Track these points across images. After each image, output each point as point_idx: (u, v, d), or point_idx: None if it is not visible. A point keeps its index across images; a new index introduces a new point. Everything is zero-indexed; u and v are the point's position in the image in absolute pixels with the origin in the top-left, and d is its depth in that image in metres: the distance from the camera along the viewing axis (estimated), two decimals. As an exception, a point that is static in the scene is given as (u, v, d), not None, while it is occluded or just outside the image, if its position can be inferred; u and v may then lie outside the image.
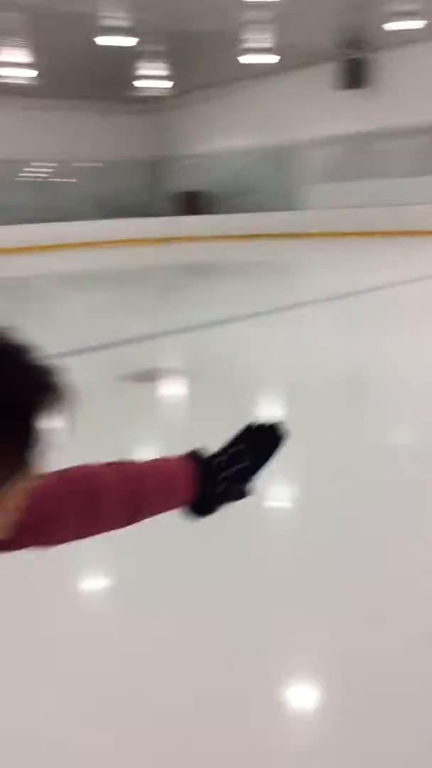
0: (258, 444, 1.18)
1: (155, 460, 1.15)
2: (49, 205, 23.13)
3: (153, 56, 18.46)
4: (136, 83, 20.01)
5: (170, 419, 5.08)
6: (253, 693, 2.06)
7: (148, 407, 5.27)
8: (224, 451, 1.17)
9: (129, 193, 24.68)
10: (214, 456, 1.16)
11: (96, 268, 16.51)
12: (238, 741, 1.88)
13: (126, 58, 17.97)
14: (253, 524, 2.89)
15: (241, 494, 1.17)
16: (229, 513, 1.14)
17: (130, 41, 16.27)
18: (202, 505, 1.14)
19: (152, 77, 19.65)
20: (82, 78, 20.22)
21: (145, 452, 2.82)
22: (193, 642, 2.28)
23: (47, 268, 16.62)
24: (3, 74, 17.51)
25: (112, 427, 4.43)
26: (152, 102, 23.48)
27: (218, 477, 1.14)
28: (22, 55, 16.79)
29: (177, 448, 1.17)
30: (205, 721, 1.97)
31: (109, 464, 1.11)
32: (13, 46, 16.54)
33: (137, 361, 6.47)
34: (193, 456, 1.15)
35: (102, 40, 16.13)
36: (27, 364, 0.72)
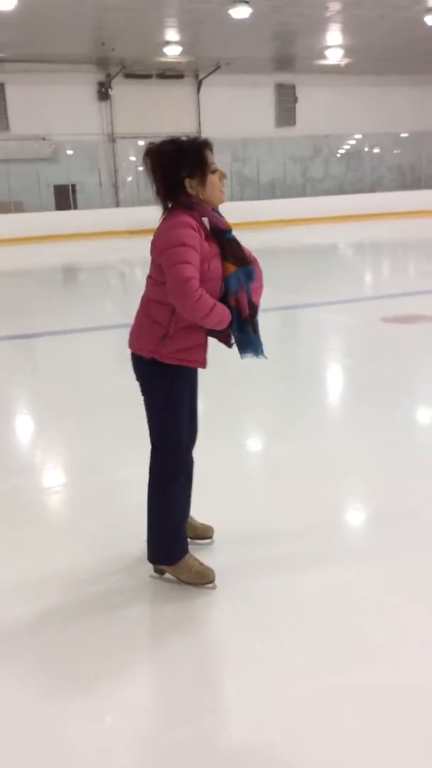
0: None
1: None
2: (356, 176, 26.92)
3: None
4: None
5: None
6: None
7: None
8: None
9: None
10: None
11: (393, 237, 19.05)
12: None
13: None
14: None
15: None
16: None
17: None
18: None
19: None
20: (392, 54, 22.36)
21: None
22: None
23: (349, 236, 19.73)
24: (326, 56, 22.11)
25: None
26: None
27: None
28: (340, 39, 20.70)
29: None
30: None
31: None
32: (333, 31, 19.92)
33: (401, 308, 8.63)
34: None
35: (430, 20, 18.27)
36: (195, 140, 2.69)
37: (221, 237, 2.71)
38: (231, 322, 2.71)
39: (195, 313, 2.58)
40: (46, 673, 2.50)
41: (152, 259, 2.71)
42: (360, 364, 6.58)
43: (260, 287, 2.85)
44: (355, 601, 2.80)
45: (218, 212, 2.76)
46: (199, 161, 2.65)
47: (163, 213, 2.72)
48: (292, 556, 3.14)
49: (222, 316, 2.64)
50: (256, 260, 2.88)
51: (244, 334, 2.76)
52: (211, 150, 2.69)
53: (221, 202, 2.76)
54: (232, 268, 2.70)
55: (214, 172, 2.70)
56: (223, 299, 2.71)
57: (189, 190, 2.67)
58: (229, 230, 2.74)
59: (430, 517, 3.45)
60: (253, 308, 2.79)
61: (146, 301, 2.78)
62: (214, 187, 2.71)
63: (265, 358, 2.86)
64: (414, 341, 7.25)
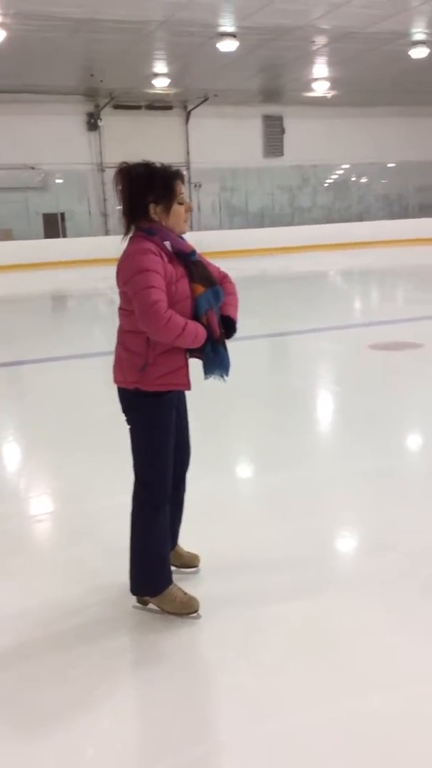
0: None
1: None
2: (343, 205, 27.47)
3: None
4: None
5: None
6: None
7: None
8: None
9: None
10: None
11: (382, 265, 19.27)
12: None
13: (425, 67, 20.12)
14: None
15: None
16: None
17: (425, 52, 18.57)
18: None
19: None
20: (378, 87, 22.62)
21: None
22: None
23: (337, 264, 19.88)
24: (313, 89, 22.35)
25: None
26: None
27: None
28: (326, 72, 20.89)
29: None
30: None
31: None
32: (319, 64, 20.09)
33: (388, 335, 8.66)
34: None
35: (414, 53, 18.51)
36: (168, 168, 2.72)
37: (186, 259, 2.73)
38: (207, 339, 2.70)
39: (167, 335, 2.59)
40: (24, 706, 2.44)
41: (120, 291, 2.72)
42: (348, 390, 6.58)
43: (235, 302, 2.87)
44: (343, 630, 2.76)
45: (182, 238, 2.78)
46: (168, 189, 2.69)
47: (124, 235, 2.75)
48: (279, 585, 3.10)
49: (196, 333, 2.66)
50: (226, 275, 2.90)
51: (215, 353, 2.75)
52: (182, 181, 2.73)
53: (183, 232, 2.79)
54: (200, 288, 2.71)
55: (181, 203, 2.73)
56: (194, 320, 2.71)
57: (152, 215, 2.70)
58: (193, 252, 2.75)
59: (417, 545, 3.43)
60: (231, 323, 2.81)
61: (121, 333, 2.79)
62: (178, 217, 2.74)
63: (224, 381, 2.83)
64: (401, 368, 7.28)
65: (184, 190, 2.75)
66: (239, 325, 2.89)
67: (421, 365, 7.37)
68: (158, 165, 2.72)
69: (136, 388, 2.73)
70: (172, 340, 2.62)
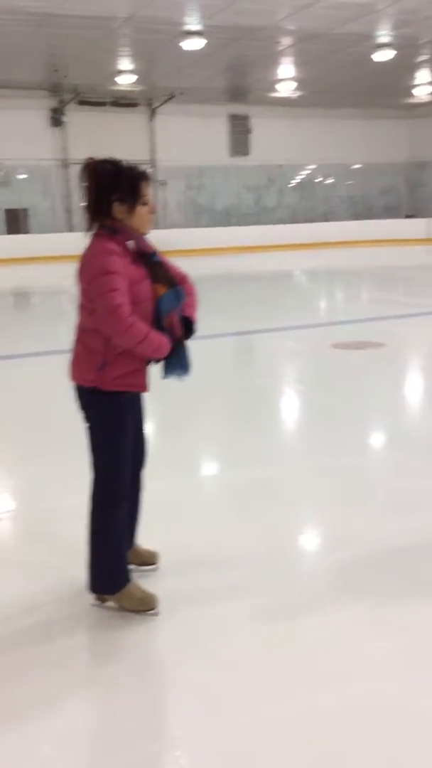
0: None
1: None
2: (309, 206, 27.67)
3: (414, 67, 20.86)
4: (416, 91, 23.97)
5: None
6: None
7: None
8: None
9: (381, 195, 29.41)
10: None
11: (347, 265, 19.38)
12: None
13: (390, 69, 20.25)
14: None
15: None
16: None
17: (390, 54, 18.65)
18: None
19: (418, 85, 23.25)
20: (343, 88, 22.78)
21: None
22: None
23: (302, 263, 20.02)
24: (278, 89, 22.43)
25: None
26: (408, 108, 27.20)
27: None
28: (292, 72, 20.97)
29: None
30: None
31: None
32: (285, 64, 20.09)
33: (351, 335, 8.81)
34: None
35: (378, 56, 18.60)
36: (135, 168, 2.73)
37: (148, 260, 2.74)
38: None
39: (128, 339, 2.60)
40: (-20, 706, 2.40)
41: (81, 288, 2.70)
42: (311, 389, 6.62)
43: (194, 302, 2.88)
44: (303, 626, 2.77)
45: (144, 238, 2.78)
46: (133, 190, 2.69)
47: (87, 231, 2.73)
48: (239, 581, 3.10)
49: (158, 344, 2.66)
50: (185, 276, 2.89)
51: (175, 353, 2.77)
52: (147, 182, 2.73)
53: (147, 232, 2.79)
54: (162, 289, 2.72)
55: (145, 204, 2.73)
56: (156, 321, 2.72)
57: (116, 213, 2.69)
58: (155, 253, 2.76)
59: (379, 541, 3.46)
60: (189, 323, 2.82)
61: (81, 330, 2.78)
62: (142, 217, 2.74)
63: (182, 380, 2.87)
64: (363, 367, 7.34)
65: (149, 191, 2.75)
66: (199, 325, 2.89)
67: (383, 364, 7.45)
68: (125, 164, 2.71)
69: (94, 387, 2.72)
70: (133, 345, 2.61)
